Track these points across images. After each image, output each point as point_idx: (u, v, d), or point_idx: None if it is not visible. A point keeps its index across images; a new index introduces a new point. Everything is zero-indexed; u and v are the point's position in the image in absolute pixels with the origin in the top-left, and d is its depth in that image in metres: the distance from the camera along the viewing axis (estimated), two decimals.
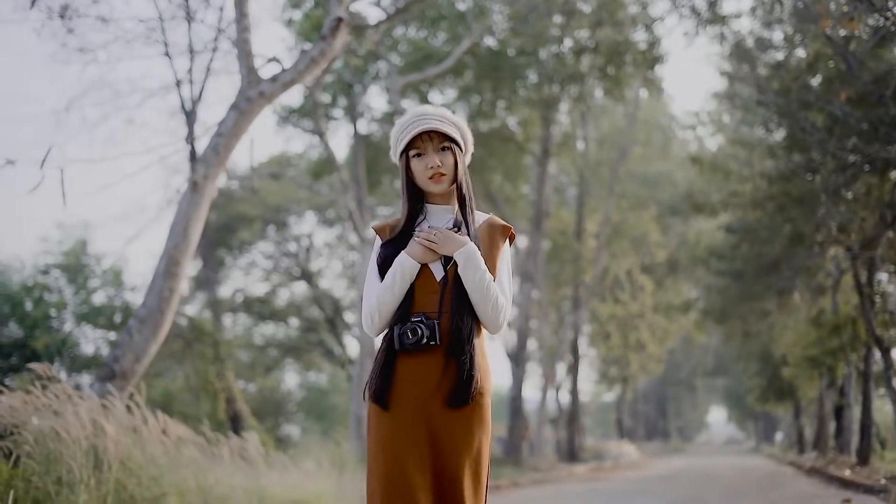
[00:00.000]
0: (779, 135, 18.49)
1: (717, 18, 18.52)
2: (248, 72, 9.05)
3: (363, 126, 21.70)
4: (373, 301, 3.44)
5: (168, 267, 8.92)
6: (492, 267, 3.46)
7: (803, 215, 17.29)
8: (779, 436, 54.79)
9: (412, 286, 3.42)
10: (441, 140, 3.47)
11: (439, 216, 3.54)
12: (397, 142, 3.53)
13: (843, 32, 14.91)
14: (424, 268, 3.42)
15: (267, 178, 28.09)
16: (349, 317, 31.86)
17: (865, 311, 17.05)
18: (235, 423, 17.24)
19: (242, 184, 29.57)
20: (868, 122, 14.50)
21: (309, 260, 31.89)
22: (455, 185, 3.51)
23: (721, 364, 53.66)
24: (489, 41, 20.95)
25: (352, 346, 31.75)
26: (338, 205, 23.97)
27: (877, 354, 18.92)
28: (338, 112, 21.38)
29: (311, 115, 19.78)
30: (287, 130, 25.09)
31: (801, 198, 17.20)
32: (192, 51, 17.02)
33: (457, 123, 3.55)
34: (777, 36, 18.55)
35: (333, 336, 31.38)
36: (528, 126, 23.31)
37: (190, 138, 15.51)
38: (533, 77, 21.87)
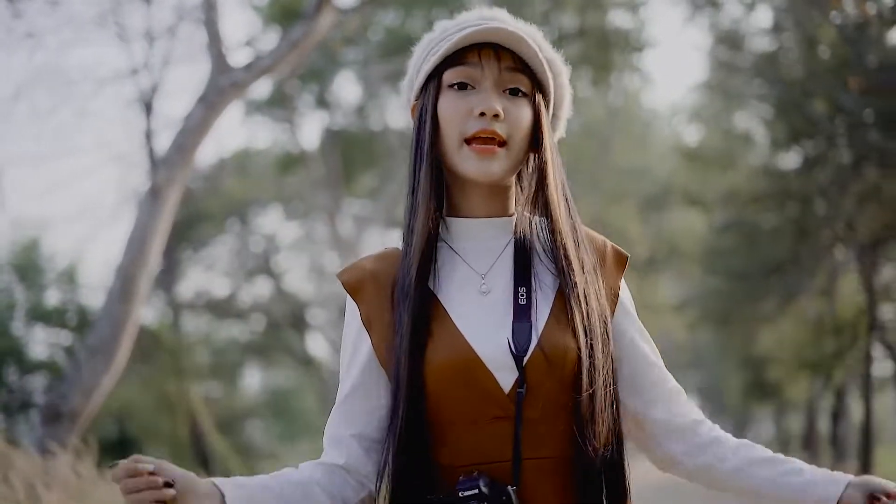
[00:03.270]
0: (776, 127, 17.52)
1: (711, 3, 17.49)
2: (218, 58, 7.76)
3: (335, 118, 20.58)
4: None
5: (124, 286, 7.60)
6: (611, 308, 1.92)
7: (807, 212, 16.43)
8: (753, 433, 54.34)
9: (436, 404, 1.79)
10: (515, 70, 1.86)
11: (483, 238, 1.90)
12: (422, 60, 1.92)
13: (835, 18, 14.03)
14: (466, 356, 1.78)
15: (232, 174, 26.85)
16: (315, 315, 30.67)
17: (872, 311, 16.25)
18: (198, 441, 16.20)
19: (205, 183, 28.30)
20: (878, 112, 13.61)
21: (273, 257, 30.66)
22: (543, 164, 1.89)
23: (697, 358, 53.08)
24: None
25: (318, 347, 30.66)
26: (307, 200, 22.78)
27: (879, 356, 18.28)
28: (308, 102, 20.24)
29: (280, 104, 18.64)
30: (252, 122, 23.85)
31: (803, 194, 16.34)
32: (150, 36, 15.82)
33: (550, 59, 1.93)
34: (773, 21, 17.52)
35: (298, 335, 30.29)
36: None
37: (148, 133, 14.26)
38: None
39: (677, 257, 30.95)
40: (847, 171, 15.07)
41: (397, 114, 20.88)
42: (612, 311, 1.89)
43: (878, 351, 17.91)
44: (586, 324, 1.81)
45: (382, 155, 20.27)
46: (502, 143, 1.82)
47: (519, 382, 1.74)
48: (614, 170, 33.16)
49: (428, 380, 1.77)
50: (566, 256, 1.84)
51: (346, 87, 25.40)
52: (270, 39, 18.13)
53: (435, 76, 1.88)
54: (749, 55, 17.31)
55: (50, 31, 14.08)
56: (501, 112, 1.81)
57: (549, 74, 1.90)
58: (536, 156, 1.90)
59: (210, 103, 7.70)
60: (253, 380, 35.01)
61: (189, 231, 28.82)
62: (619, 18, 19.79)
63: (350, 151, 20.38)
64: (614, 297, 1.91)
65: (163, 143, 17.03)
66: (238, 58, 13.31)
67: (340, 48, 17.64)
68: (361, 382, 1.88)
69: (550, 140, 1.91)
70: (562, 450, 1.78)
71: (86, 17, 14.49)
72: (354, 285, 1.91)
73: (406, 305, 1.81)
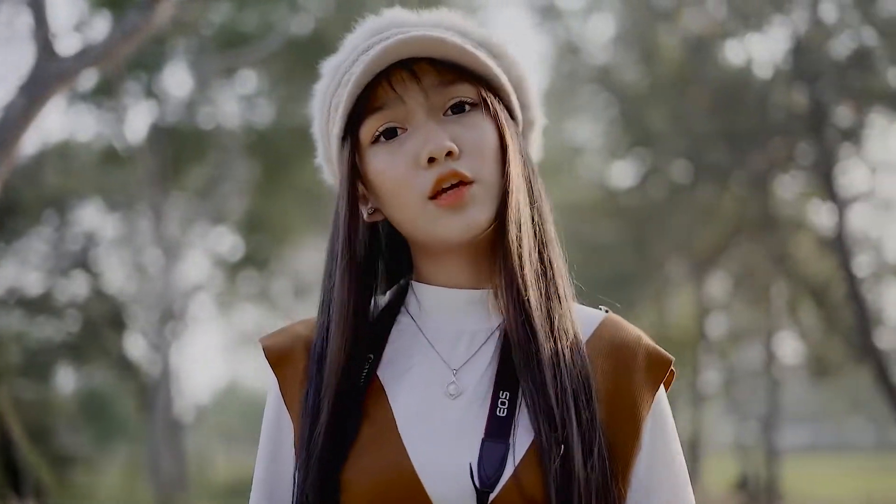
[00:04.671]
0: (615, 140, 17.59)
1: (554, 13, 17.42)
2: (44, 45, 7.05)
3: (164, 110, 19.73)
4: None
5: None
6: (628, 449, 1.32)
7: (642, 227, 16.53)
8: None
9: None
10: (446, 82, 1.35)
11: (461, 318, 1.39)
12: (327, 122, 1.43)
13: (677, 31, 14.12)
14: (399, 480, 1.26)
15: (51, 165, 25.63)
16: (135, 316, 29.60)
17: (701, 325, 16.50)
18: (7, 449, 15.22)
19: (22, 173, 26.91)
20: (718, 128, 13.72)
21: (92, 253, 29.43)
22: (504, 218, 1.35)
23: None
24: (306, 25, 19.20)
25: (137, 348, 29.61)
26: (131, 195, 21.80)
27: (707, 369, 18.62)
28: (135, 93, 19.32)
29: (106, 94, 17.73)
30: (75, 111, 22.70)
31: (639, 209, 16.43)
32: None
33: (483, 41, 1.42)
34: (616, 32, 17.54)
35: (116, 335, 29.14)
36: None
37: None
38: None
39: None
40: (684, 188, 15.19)
41: (230, 111, 20.16)
42: (633, 435, 1.34)
43: (706, 364, 18.22)
44: (577, 455, 1.26)
45: (212, 151, 19.53)
46: (465, 183, 1.32)
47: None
48: None
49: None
50: (530, 353, 1.31)
51: (176, 80, 24.47)
52: (98, 26, 17.24)
53: (348, 136, 1.39)
54: (590, 66, 17.29)
55: None
56: (454, 146, 1.31)
57: (492, 62, 1.38)
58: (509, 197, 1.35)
59: (34, 93, 6.98)
60: (66, 381, 33.65)
61: (1, 222, 27.41)
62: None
63: (178, 146, 19.58)
64: (634, 417, 1.34)
65: None
66: (66, 45, 12.46)
67: (174, 39, 16.89)
68: (277, 485, 1.39)
69: (519, 157, 1.38)
70: None
71: None
72: (277, 354, 1.41)
73: (328, 391, 1.31)
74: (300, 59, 18.73)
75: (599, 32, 18.33)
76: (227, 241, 23.52)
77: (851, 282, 12.75)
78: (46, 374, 29.81)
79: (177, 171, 20.25)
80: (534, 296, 1.33)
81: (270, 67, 19.21)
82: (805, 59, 12.83)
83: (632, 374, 1.35)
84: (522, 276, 1.33)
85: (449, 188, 1.32)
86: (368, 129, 1.36)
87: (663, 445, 1.36)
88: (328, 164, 1.49)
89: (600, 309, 1.45)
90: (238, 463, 32.02)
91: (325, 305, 1.37)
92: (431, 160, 1.31)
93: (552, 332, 1.33)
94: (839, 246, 12.71)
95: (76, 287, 30.11)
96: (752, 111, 13.34)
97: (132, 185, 18.95)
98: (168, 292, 18.70)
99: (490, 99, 1.37)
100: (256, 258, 22.76)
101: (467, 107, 1.35)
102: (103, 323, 29.26)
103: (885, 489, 17.49)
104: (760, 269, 14.88)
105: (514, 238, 1.34)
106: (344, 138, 1.39)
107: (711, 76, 13.62)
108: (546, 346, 1.31)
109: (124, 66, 17.69)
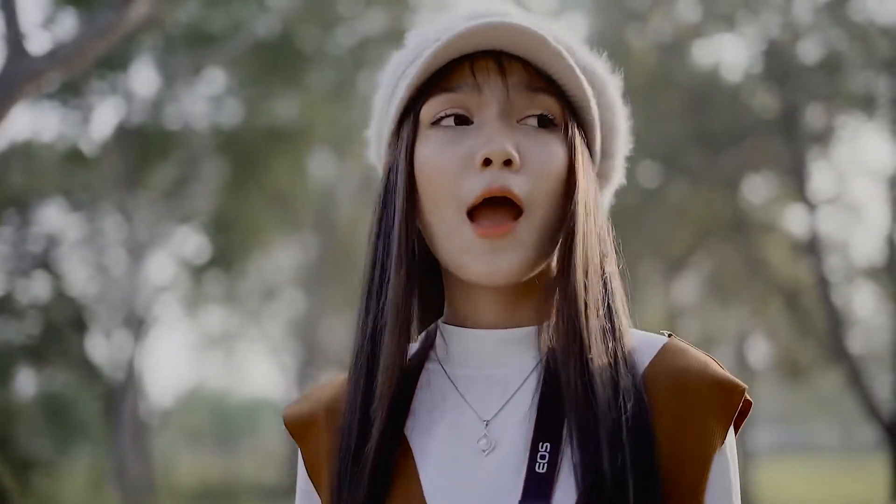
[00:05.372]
0: None
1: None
2: (15, 46, 6.90)
3: (130, 109, 19.51)
4: None
5: None
6: (694, 496, 1.11)
7: (615, 227, 16.51)
8: None
9: None
10: (534, 89, 1.17)
11: (494, 362, 1.19)
12: (391, 92, 1.25)
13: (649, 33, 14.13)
14: None
15: (16, 164, 25.28)
16: (98, 318, 29.29)
17: (673, 326, 16.46)
18: None
19: None
20: (691, 130, 13.74)
21: (55, 254, 29.09)
22: (569, 260, 1.15)
23: None
24: (274, 25, 19.03)
25: (100, 350, 29.28)
26: (96, 196, 21.52)
27: None
28: (101, 91, 19.08)
29: (72, 92, 17.49)
30: (40, 109, 22.40)
31: (611, 211, 16.40)
32: None
33: (587, 67, 1.25)
34: (587, 33, 17.52)
35: (78, 338, 28.79)
36: (315, 119, 21.30)
37: None
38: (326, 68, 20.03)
39: None
40: (656, 189, 15.17)
41: (197, 111, 19.96)
42: (699, 478, 1.12)
43: None
44: None
45: (179, 151, 19.32)
46: (518, 211, 1.13)
47: None
48: None
49: None
50: (586, 415, 1.09)
51: (143, 79, 24.19)
52: (64, 23, 17.01)
53: (410, 113, 1.20)
54: None
55: None
56: (516, 155, 1.12)
57: (589, 91, 1.20)
58: (566, 224, 1.16)
59: (3, 94, 6.82)
60: (27, 385, 33.28)
61: None
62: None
63: (145, 146, 19.37)
64: (702, 458, 1.12)
65: None
66: (35, 44, 12.25)
67: (142, 38, 16.70)
68: None
69: (589, 197, 1.18)
70: None
71: None
72: (299, 425, 1.27)
73: (358, 458, 1.16)
74: (268, 59, 18.60)
75: (571, 33, 18.21)
76: (194, 242, 23.30)
77: (823, 285, 12.77)
78: (6, 378, 29.41)
79: (143, 170, 20.02)
80: (596, 350, 1.12)
81: (238, 67, 19.03)
82: (776, 61, 12.85)
83: (697, 409, 1.13)
84: (588, 330, 1.13)
85: (491, 216, 1.13)
86: (432, 107, 1.18)
87: (724, 491, 1.15)
88: (377, 141, 1.31)
89: (662, 334, 1.24)
90: (204, 465, 31.78)
91: (369, 327, 1.19)
92: (487, 162, 1.13)
93: (611, 385, 1.12)
94: (810, 248, 12.73)
95: (37, 288, 29.71)
96: (724, 113, 13.36)
97: (96, 185, 18.71)
98: (132, 293, 18.48)
99: (571, 126, 1.19)
100: (223, 259, 22.55)
101: (546, 123, 1.18)
102: (65, 325, 28.93)
103: (855, 492, 17.56)
104: (732, 271, 14.88)
105: (581, 284, 1.14)
106: (406, 116, 1.21)
107: (683, 78, 13.62)
108: (603, 404, 1.10)
109: (91, 64, 17.48)
